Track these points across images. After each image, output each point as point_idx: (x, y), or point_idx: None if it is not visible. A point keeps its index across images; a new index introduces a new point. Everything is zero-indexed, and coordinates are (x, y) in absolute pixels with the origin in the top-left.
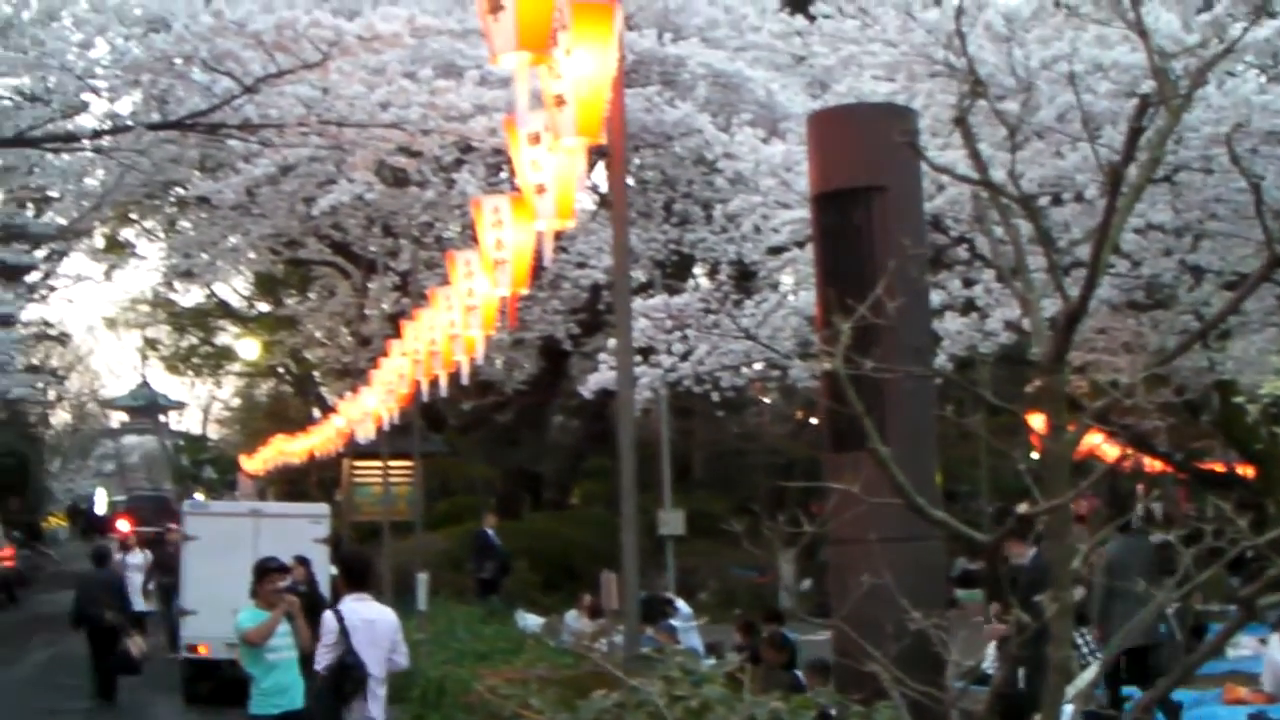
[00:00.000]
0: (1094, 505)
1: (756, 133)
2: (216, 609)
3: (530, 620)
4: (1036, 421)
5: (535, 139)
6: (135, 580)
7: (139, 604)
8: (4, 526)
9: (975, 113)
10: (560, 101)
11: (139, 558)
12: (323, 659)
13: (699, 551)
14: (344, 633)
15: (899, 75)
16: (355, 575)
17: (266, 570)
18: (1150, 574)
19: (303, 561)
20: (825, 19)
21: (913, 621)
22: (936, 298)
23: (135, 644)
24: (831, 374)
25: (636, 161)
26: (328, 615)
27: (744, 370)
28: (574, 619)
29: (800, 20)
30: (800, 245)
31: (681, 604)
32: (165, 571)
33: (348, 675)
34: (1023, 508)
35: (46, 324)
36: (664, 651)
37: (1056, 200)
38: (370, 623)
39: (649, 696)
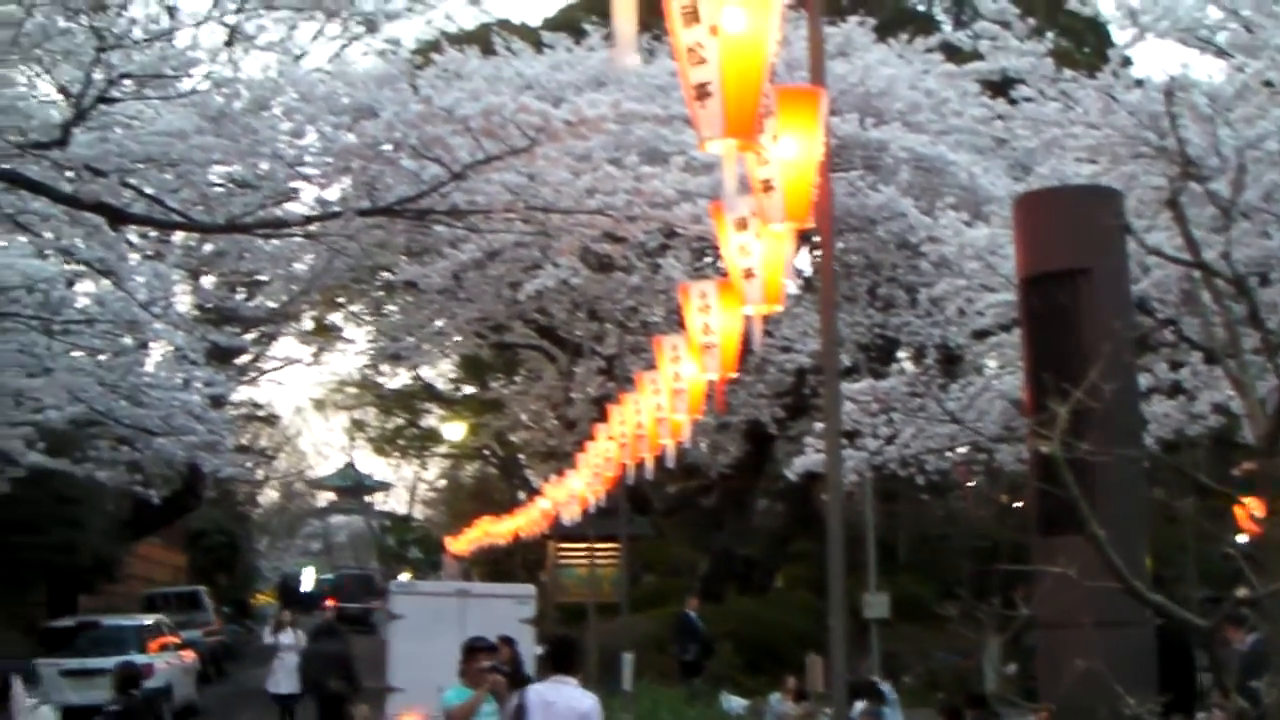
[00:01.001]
0: None
1: (960, 216)
2: (422, 687)
3: (734, 703)
4: (1252, 505)
5: (742, 224)
6: (289, 661)
7: (286, 685)
8: (214, 602)
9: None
10: (767, 186)
11: (290, 638)
12: None
13: (903, 635)
14: (518, 711)
15: (1101, 157)
16: (554, 657)
17: (474, 650)
18: None
19: (507, 642)
20: (1027, 102)
21: (1126, 706)
22: (1143, 381)
23: (360, 712)
24: (1044, 457)
25: (840, 246)
26: (514, 695)
27: (948, 454)
28: (778, 701)
29: (1001, 104)
30: (1005, 329)
31: (886, 688)
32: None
33: None
34: (1241, 592)
35: (256, 405)
36: None
37: (1264, 280)
38: (549, 704)
39: None
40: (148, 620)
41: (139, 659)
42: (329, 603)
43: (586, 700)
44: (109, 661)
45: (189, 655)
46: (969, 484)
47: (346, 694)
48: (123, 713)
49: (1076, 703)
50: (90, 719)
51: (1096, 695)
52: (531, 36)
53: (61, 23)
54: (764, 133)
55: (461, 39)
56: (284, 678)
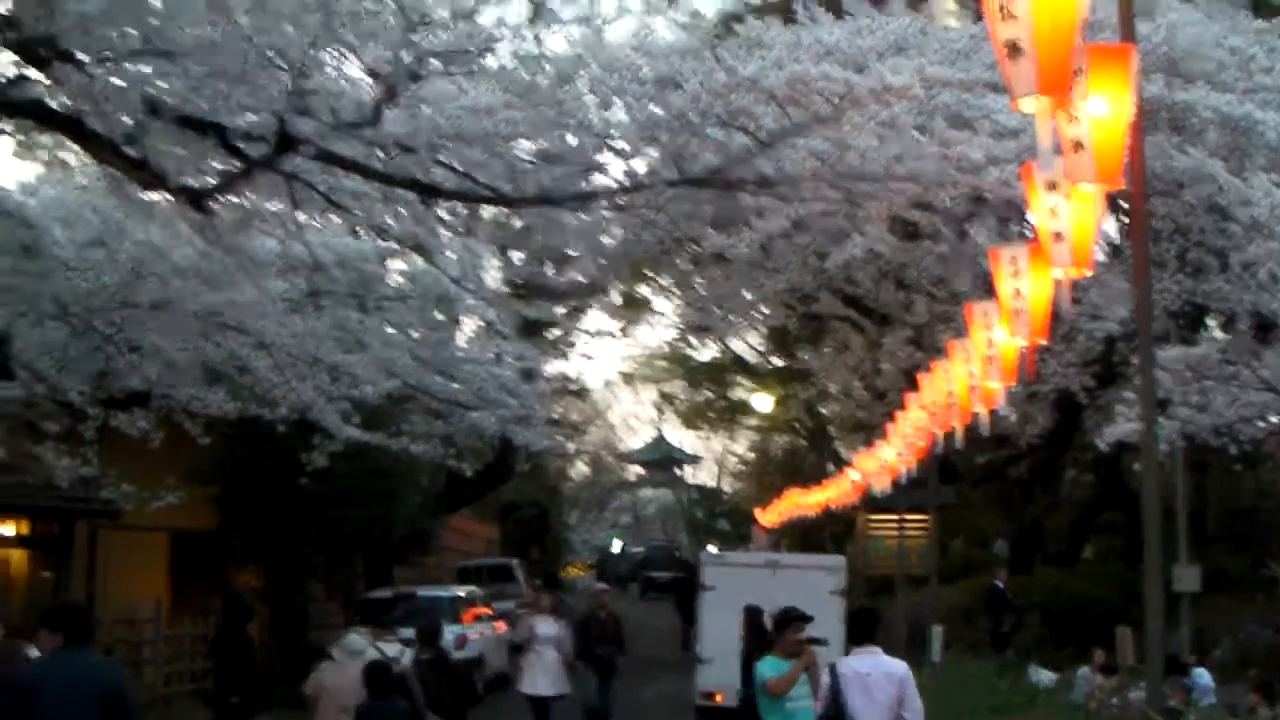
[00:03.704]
0: None
1: (1271, 178)
2: (731, 657)
3: (1043, 675)
4: None
5: (1053, 186)
6: (547, 657)
7: (545, 685)
8: (525, 574)
9: None
10: (1078, 146)
11: (552, 629)
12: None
13: (1213, 608)
14: (834, 686)
15: None
16: (856, 629)
17: (788, 620)
18: None
19: (753, 612)
20: None
21: None
22: None
23: None
24: None
25: (1148, 210)
26: (827, 669)
27: (1260, 423)
28: (1086, 675)
29: None
30: None
31: (1203, 673)
32: (600, 641)
33: None
34: None
35: (566, 379)
36: (1189, 705)
37: None
38: (863, 675)
39: None
40: (461, 592)
41: (454, 629)
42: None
43: (899, 666)
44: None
45: (501, 626)
46: None
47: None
48: (433, 661)
49: None
50: None
51: None
52: (832, 3)
53: (369, 4)
54: (1075, 91)
55: (763, 9)
56: (541, 676)
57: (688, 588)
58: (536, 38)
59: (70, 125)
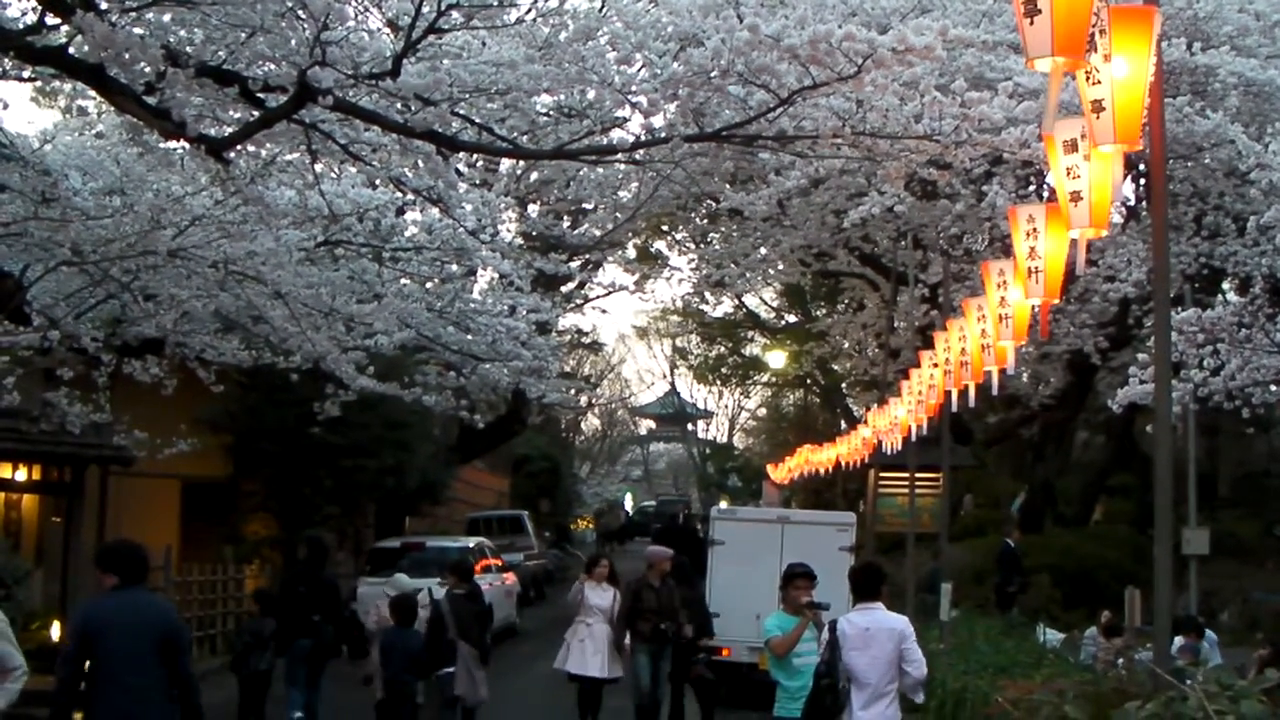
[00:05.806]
0: None
1: None
2: (740, 612)
3: (1051, 635)
4: None
5: (1072, 146)
6: (598, 630)
7: (596, 665)
8: (535, 527)
9: None
10: (1098, 107)
11: (606, 597)
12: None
13: (1222, 573)
14: (833, 644)
15: None
16: (859, 585)
17: (793, 575)
18: None
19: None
20: None
21: None
22: None
23: None
24: None
25: (1166, 173)
26: (827, 626)
27: (1274, 387)
28: (1093, 635)
29: None
30: None
31: (1209, 633)
32: (656, 615)
33: (823, 692)
34: None
35: (580, 332)
36: (1197, 667)
37: None
38: (864, 630)
39: (1185, 709)
40: (471, 543)
41: None
42: None
43: (899, 621)
44: (432, 582)
45: (510, 578)
46: None
47: None
48: (466, 595)
49: None
50: None
51: None
52: None
53: None
54: (1095, 52)
55: None
56: (591, 652)
57: (666, 535)
58: None
59: (92, 74)
